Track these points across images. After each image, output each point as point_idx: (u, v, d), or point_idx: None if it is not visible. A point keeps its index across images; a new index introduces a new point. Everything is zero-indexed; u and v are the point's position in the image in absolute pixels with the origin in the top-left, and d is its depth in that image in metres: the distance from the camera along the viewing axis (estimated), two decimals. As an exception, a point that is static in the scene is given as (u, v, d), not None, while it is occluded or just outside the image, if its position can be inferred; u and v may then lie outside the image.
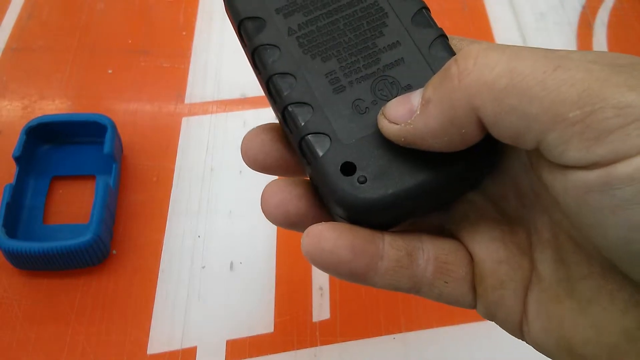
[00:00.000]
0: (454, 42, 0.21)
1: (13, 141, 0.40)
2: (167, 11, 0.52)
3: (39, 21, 0.50)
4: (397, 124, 0.18)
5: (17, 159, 0.39)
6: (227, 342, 0.36)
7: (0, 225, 0.36)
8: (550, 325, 0.18)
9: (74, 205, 0.40)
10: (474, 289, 0.20)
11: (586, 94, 0.15)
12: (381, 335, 0.36)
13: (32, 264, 0.37)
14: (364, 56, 0.20)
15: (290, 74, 0.20)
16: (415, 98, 0.18)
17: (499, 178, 0.21)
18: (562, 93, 0.15)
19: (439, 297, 0.20)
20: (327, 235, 0.19)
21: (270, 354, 0.35)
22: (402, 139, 0.18)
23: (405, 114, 0.18)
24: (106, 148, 0.40)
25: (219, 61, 0.48)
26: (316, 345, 0.36)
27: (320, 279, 0.38)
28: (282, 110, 0.20)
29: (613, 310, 0.17)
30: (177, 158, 0.43)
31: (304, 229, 0.21)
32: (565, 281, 0.18)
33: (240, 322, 0.36)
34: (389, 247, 0.20)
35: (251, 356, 0.35)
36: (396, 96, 0.20)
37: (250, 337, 0.36)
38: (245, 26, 0.21)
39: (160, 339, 0.36)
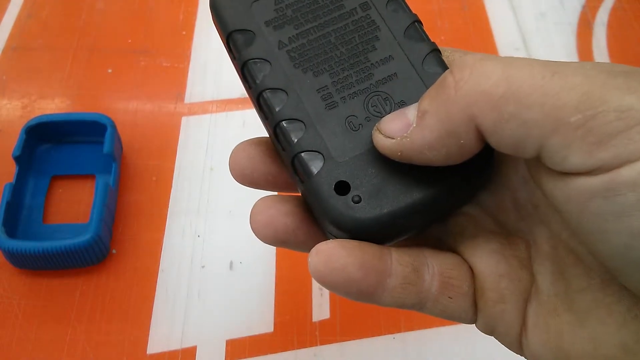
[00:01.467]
0: (446, 53, 0.21)
1: (13, 140, 0.40)
2: (167, 11, 0.52)
3: (38, 20, 0.50)
4: (393, 139, 0.18)
5: (17, 159, 0.39)
6: (227, 341, 0.36)
7: (0, 225, 0.36)
8: (549, 338, 0.18)
9: (73, 205, 0.40)
10: (475, 304, 0.20)
11: (586, 97, 0.15)
12: (381, 334, 0.36)
13: (32, 264, 0.37)
14: (357, 71, 0.20)
15: (282, 90, 0.20)
16: (410, 112, 0.18)
17: (496, 191, 0.21)
18: (562, 98, 0.15)
19: (442, 313, 0.20)
20: (337, 253, 0.18)
21: (270, 353, 0.35)
22: (399, 153, 0.18)
23: (401, 128, 0.18)
24: (106, 147, 0.40)
25: (219, 61, 0.48)
26: (316, 345, 0.36)
27: (320, 278, 0.38)
28: (273, 126, 0.20)
29: (610, 324, 0.17)
30: (176, 157, 0.43)
31: (293, 246, 0.21)
32: (564, 294, 0.18)
33: (240, 321, 0.36)
34: (397, 263, 0.19)
35: (251, 356, 0.35)
36: (390, 113, 0.19)
37: (250, 336, 0.36)
38: (234, 39, 0.20)
39: (160, 338, 0.36)
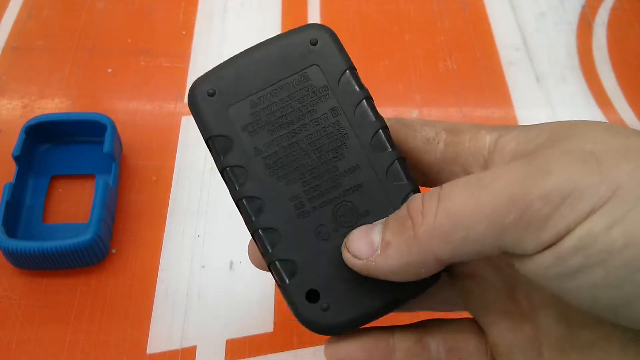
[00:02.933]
0: (408, 123, 0.23)
1: (13, 140, 0.40)
2: (167, 11, 0.52)
3: (38, 20, 0.50)
4: (360, 259, 0.20)
5: (17, 158, 0.39)
6: (227, 341, 0.36)
7: (0, 225, 0.36)
8: None
9: (73, 205, 0.40)
10: (493, 357, 0.22)
11: (511, 197, 0.17)
12: (381, 335, 0.36)
13: (32, 264, 0.37)
14: (326, 180, 0.21)
15: (258, 198, 0.21)
16: (375, 235, 0.20)
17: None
18: (493, 206, 0.17)
19: None
20: (344, 345, 0.22)
21: (270, 353, 0.35)
22: (365, 272, 0.20)
23: (367, 251, 0.20)
24: (106, 147, 0.40)
25: (219, 61, 0.48)
26: (316, 345, 0.36)
27: (320, 278, 0.38)
28: (252, 233, 0.21)
29: (612, 351, 0.19)
30: (176, 157, 0.43)
31: None
32: (569, 333, 0.20)
33: (239, 321, 0.36)
34: (399, 339, 0.22)
35: (251, 356, 0.35)
36: (355, 223, 0.21)
37: (250, 336, 0.36)
38: (214, 143, 0.21)
39: (159, 338, 0.36)
